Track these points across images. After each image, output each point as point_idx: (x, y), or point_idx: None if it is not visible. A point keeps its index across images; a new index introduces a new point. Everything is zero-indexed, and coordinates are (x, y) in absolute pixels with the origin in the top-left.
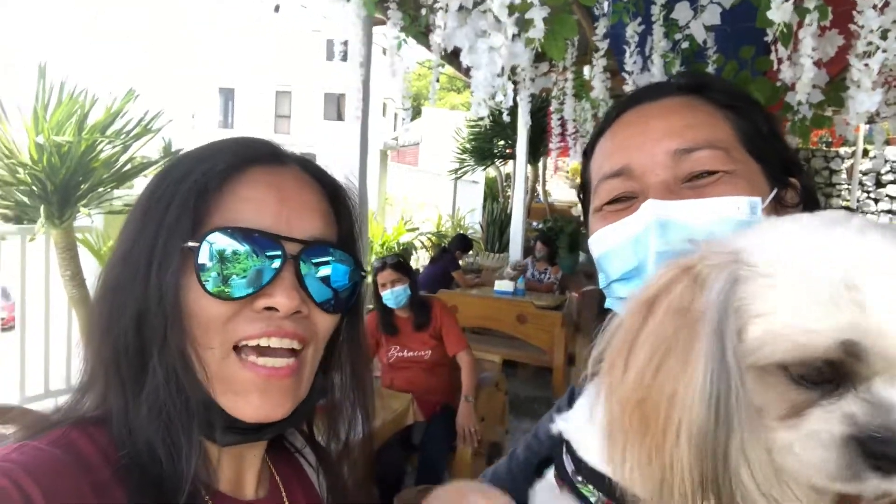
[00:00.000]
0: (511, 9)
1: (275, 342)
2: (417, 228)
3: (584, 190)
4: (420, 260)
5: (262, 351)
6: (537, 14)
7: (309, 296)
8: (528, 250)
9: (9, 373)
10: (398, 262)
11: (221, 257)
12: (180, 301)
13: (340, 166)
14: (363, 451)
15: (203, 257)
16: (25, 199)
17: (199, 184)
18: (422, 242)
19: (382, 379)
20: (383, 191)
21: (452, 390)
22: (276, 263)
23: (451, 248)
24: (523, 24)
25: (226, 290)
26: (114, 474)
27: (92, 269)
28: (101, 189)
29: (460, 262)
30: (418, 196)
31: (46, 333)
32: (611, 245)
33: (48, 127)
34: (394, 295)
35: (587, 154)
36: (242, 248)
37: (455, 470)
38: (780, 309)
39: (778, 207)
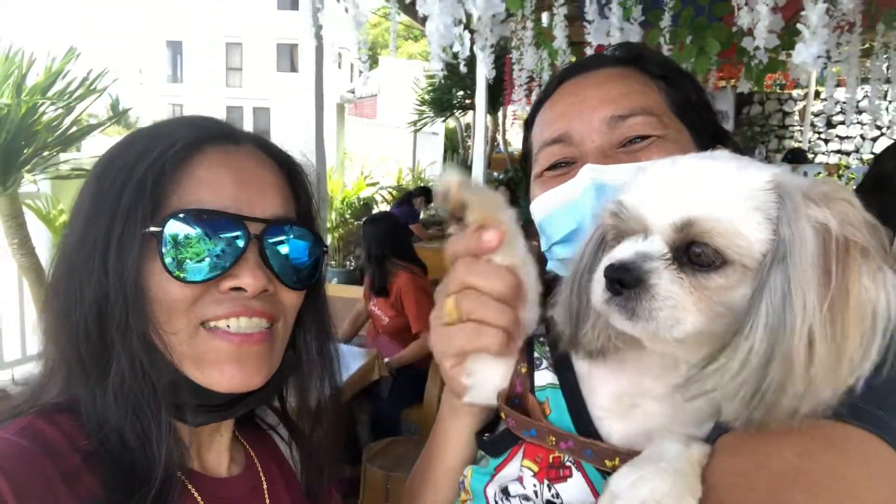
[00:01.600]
0: None
1: (244, 322)
2: (378, 183)
3: (525, 158)
4: None
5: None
6: None
7: (274, 274)
8: None
9: None
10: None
11: (184, 241)
12: (142, 286)
13: (296, 121)
14: (334, 420)
15: (165, 242)
16: None
17: (155, 166)
18: (382, 197)
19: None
20: (342, 145)
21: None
22: (240, 244)
23: (413, 195)
24: None
25: (190, 273)
26: (83, 461)
27: (42, 237)
28: (45, 153)
29: (422, 214)
30: (378, 150)
31: None
32: (551, 209)
33: None
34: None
35: (528, 124)
36: (205, 230)
37: (423, 418)
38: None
39: None
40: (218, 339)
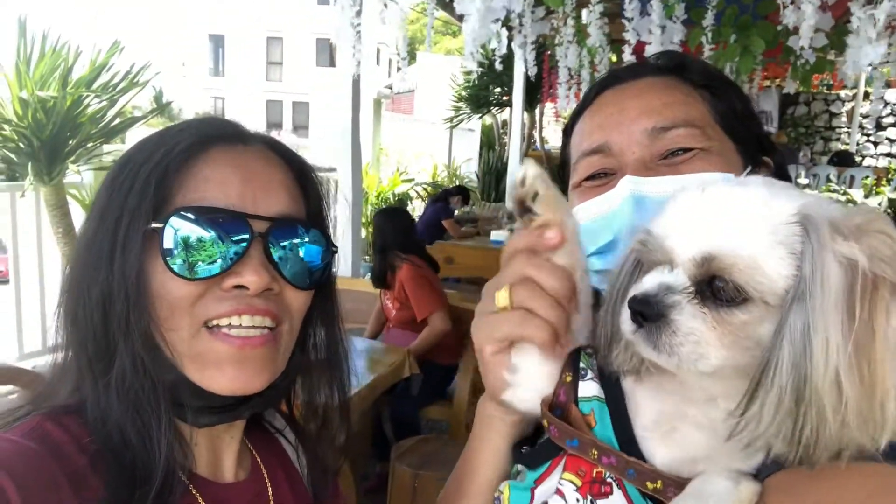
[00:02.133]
0: None
1: (246, 320)
2: (413, 179)
3: (563, 166)
4: (416, 210)
5: (234, 328)
6: None
7: (279, 273)
8: None
9: (6, 329)
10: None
11: (186, 237)
12: (144, 284)
13: (333, 115)
14: (342, 423)
15: (167, 238)
16: (13, 157)
17: (160, 165)
18: (417, 193)
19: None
20: (377, 141)
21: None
22: (243, 241)
23: (449, 193)
24: None
25: (192, 270)
26: (89, 463)
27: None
28: (89, 144)
29: (456, 212)
30: (414, 145)
31: (42, 290)
32: (588, 219)
33: (31, 82)
34: None
35: (567, 132)
36: (208, 227)
37: (453, 417)
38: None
39: None
40: (219, 340)
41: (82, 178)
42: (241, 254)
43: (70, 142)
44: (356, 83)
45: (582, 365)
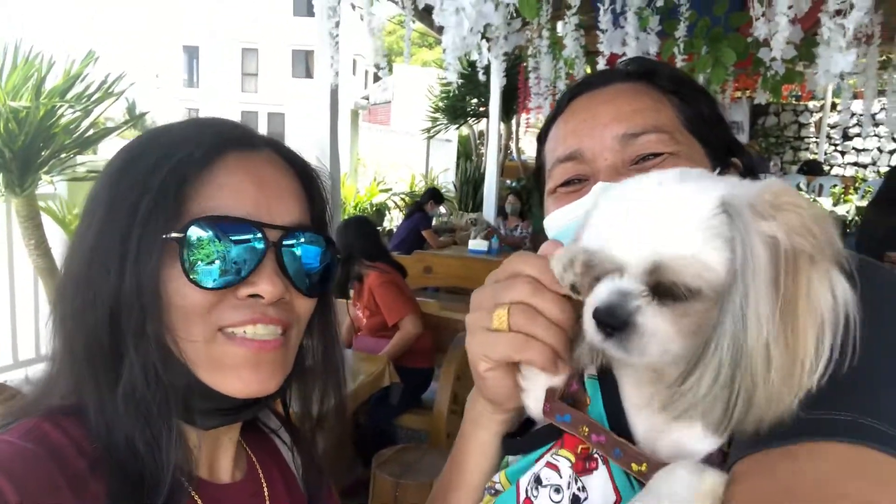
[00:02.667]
0: None
1: (260, 329)
2: (390, 189)
3: (538, 172)
4: (394, 220)
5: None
6: None
7: (290, 281)
8: (501, 209)
9: None
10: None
11: (205, 247)
12: (160, 293)
13: (309, 126)
14: (336, 427)
15: (186, 248)
16: None
17: (177, 171)
18: (395, 203)
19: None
20: (355, 151)
21: (401, 355)
22: (260, 251)
23: (422, 202)
24: None
25: (209, 279)
26: (89, 466)
27: (57, 238)
28: (63, 155)
29: (433, 221)
30: (391, 156)
31: (12, 304)
32: (564, 225)
33: (3, 92)
34: None
35: (541, 139)
36: (226, 236)
37: (433, 426)
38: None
39: None
40: (236, 345)
41: (56, 188)
42: (256, 263)
43: (43, 153)
44: (335, 94)
45: None
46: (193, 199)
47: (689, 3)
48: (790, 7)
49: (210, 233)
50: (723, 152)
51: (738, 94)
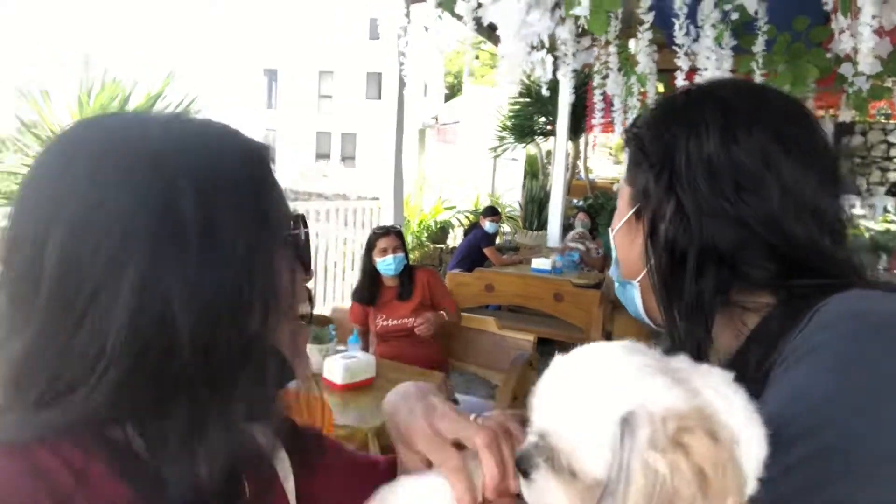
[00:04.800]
0: None
1: None
2: (454, 207)
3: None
4: (457, 238)
5: None
6: None
7: None
8: (567, 228)
9: None
10: (399, 229)
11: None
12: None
13: (379, 146)
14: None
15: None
16: None
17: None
18: (459, 221)
19: (376, 350)
20: (421, 170)
21: (441, 361)
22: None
23: (484, 215)
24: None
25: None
26: (76, 484)
27: None
28: None
29: (497, 239)
30: (457, 175)
31: None
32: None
33: (91, 111)
34: (395, 261)
35: None
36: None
37: None
38: None
39: None
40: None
41: None
42: None
43: None
44: (400, 114)
45: None
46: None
47: (767, 16)
48: (874, 17)
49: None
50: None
51: (821, 112)
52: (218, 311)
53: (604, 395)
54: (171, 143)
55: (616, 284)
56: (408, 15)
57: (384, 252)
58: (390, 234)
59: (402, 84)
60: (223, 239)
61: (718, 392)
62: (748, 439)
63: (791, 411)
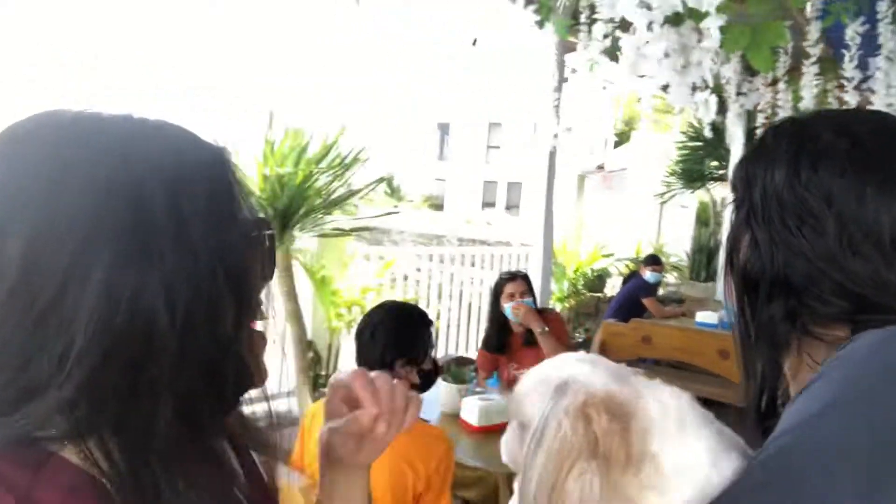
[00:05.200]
0: (695, 17)
1: None
2: (612, 254)
3: None
4: (615, 287)
5: None
6: (713, 22)
7: None
8: None
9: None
10: (525, 273)
11: None
12: None
13: (540, 194)
14: None
15: None
16: None
17: None
18: (618, 269)
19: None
20: (580, 216)
21: None
22: None
23: (639, 267)
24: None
25: None
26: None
27: (304, 286)
28: (315, 215)
29: (659, 289)
30: (619, 221)
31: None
32: None
33: (273, 160)
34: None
35: None
36: None
37: None
38: None
39: None
40: None
41: (304, 242)
42: None
43: (299, 212)
44: (551, 161)
45: None
46: None
47: None
48: None
49: None
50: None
51: None
52: (193, 308)
53: (555, 373)
54: (135, 138)
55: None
56: (562, 65)
57: (511, 297)
58: (517, 279)
59: (555, 132)
60: (194, 234)
61: (655, 396)
62: (662, 430)
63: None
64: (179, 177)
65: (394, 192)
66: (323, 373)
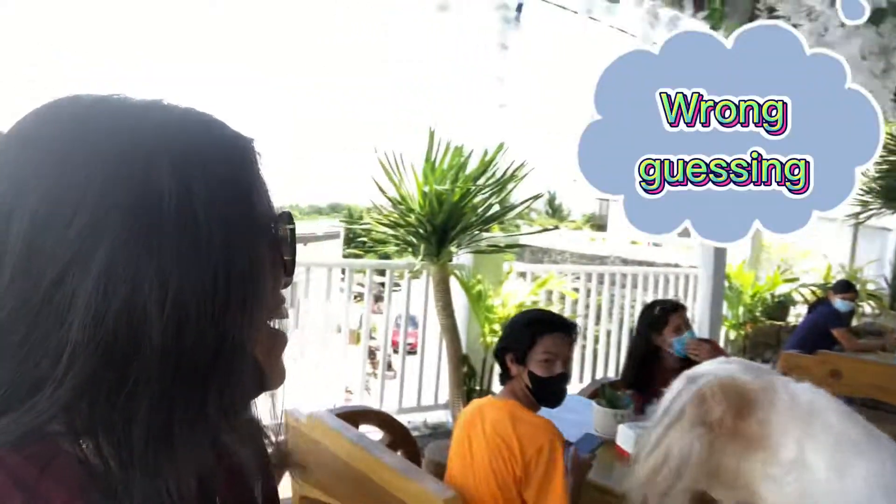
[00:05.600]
0: None
1: None
2: (797, 279)
3: None
4: (799, 316)
5: None
6: None
7: None
8: None
9: (377, 391)
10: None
11: None
12: None
13: None
14: None
15: None
16: (413, 239)
17: None
18: (802, 296)
19: None
20: (759, 238)
21: None
22: None
23: (828, 294)
24: None
25: None
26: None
27: (460, 302)
28: (470, 231)
29: (852, 320)
30: (804, 243)
31: (422, 357)
32: None
33: (433, 178)
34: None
35: None
36: None
37: None
38: None
39: None
40: None
41: (460, 258)
42: None
43: (456, 228)
44: None
45: None
46: None
47: None
48: None
49: None
50: None
51: None
52: (190, 304)
53: (695, 370)
54: (151, 123)
55: None
56: None
57: (679, 330)
58: (684, 309)
59: None
60: (200, 227)
61: (787, 390)
62: (786, 420)
63: None
64: (191, 162)
65: (555, 211)
66: (476, 387)
